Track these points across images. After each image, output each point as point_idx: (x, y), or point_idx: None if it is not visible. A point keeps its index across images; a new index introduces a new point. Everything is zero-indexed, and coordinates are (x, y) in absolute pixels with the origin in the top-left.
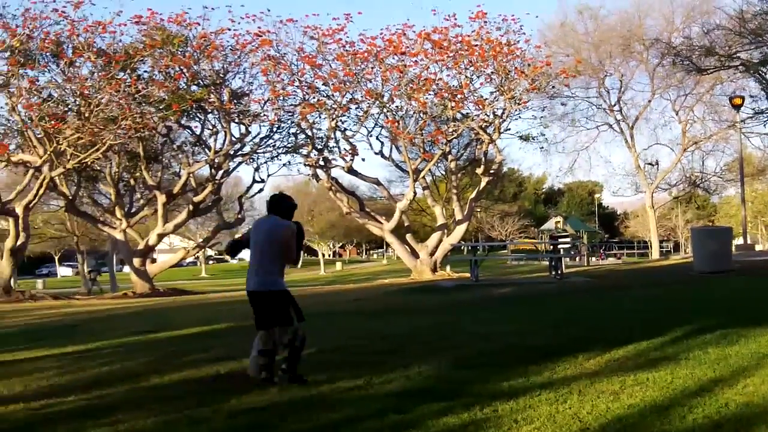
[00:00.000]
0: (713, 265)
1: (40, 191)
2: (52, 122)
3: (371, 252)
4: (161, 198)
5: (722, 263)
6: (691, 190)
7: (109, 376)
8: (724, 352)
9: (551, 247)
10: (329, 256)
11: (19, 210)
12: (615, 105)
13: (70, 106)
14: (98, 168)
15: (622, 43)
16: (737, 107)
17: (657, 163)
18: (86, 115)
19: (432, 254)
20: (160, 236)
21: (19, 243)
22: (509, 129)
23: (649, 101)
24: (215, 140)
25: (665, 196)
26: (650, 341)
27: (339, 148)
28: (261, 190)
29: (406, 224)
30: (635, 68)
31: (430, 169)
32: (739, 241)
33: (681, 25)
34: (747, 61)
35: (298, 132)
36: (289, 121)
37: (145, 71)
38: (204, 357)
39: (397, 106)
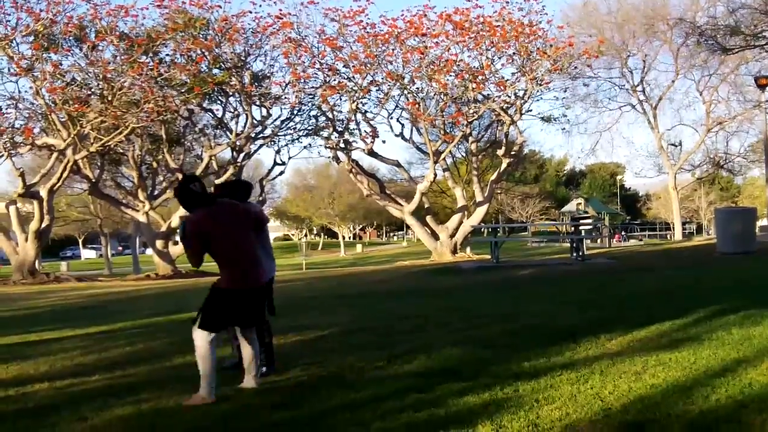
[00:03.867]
0: (737, 246)
1: (64, 174)
2: (76, 106)
3: (391, 234)
4: None
5: (746, 244)
6: (715, 171)
7: (132, 356)
8: (747, 333)
9: (572, 228)
10: (349, 238)
11: (43, 193)
12: (638, 85)
13: (93, 90)
14: (121, 151)
15: (645, 23)
16: (762, 87)
17: (680, 144)
18: (109, 98)
19: (452, 236)
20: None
21: (43, 225)
22: (531, 110)
23: (673, 81)
24: (236, 123)
25: (688, 177)
26: (673, 322)
27: (359, 130)
28: (282, 172)
29: (426, 206)
30: (659, 48)
31: (450, 151)
32: (763, 222)
33: (706, 4)
34: None
35: (318, 114)
36: (310, 104)
37: (167, 55)
38: (226, 338)
39: (417, 88)
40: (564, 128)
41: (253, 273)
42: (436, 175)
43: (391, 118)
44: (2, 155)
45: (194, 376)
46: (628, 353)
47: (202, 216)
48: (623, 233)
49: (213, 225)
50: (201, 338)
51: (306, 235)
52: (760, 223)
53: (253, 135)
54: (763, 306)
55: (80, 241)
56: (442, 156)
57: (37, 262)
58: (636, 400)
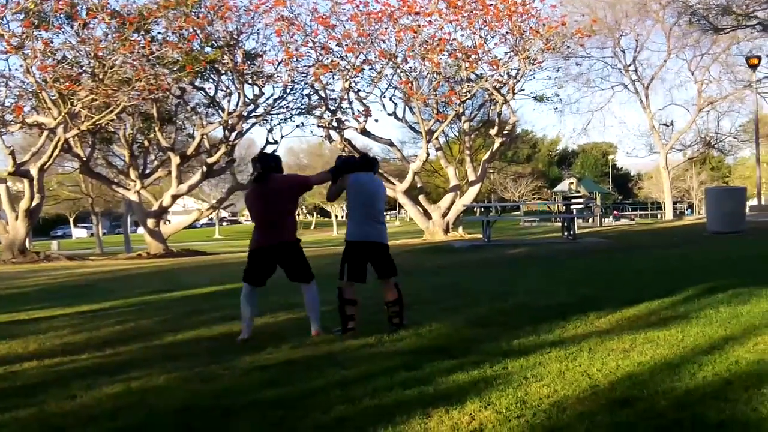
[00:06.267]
0: (727, 226)
1: (55, 153)
2: (67, 84)
3: (384, 213)
4: (175, 159)
5: (736, 223)
6: (706, 150)
7: (122, 334)
8: (735, 311)
9: (564, 208)
10: (342, 217)
11: (33, 171)
12: (630, 65)
13: (84, 68)
14: (112, 130)
15: (638, 2)
16: (754, 67)
17: (672, 124)
18: (100, 76)
19: (444, 215)
20: (174, 197)
21: (33, 204)
22: (523, 89)
23: (665, 61)
24: (229, 102)
25: (679, 156)
26: (662, 300)
27: (352, 109)
28: (274, 151)
29: (419, 185)
30: (651, 28)
31: (443, 130)
32: (753, 201)
33: None
34: (764, 20)
35: (311, 93)
36: (303, 83)
37: (159, 32)
38: (217, 316)
39: (410, 67)
40: (556, 108)
41: (263, 236)
42: (428, 154)
43: (384, 97)
44: None
45: (185, 354)
46: (617, 331)
47: (249, 189)
48: (617, 212)
49: (249, 196)
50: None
51: (298, 215)
52: (749, 202)
53: (245, 113)
54: (751, 284)
55: (71, 220)
56: (435, 135)
57: (27, 241)
58: (624, 377)
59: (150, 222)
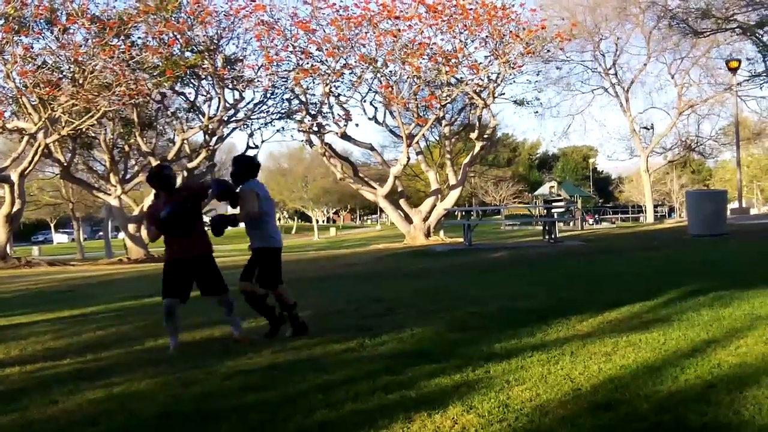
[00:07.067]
0: (708, 229)
1: (35, 158)
2: (47, 89)
3: (365, 218)
4: (155, 164)
5: (717, 227)
6: (687, 154)
7: (104, 339)
8: (717, 314)
9: (545, 211)
10: (323, 221)
11: (14, 177)
12: (610, 68)
13: (64, 73)
14: (93, 135)
15: (618, 6)
16: (733, 70)
17: (652, 127)
18: (80, 81)
19: (425, 219)
20: None
21: (14, 210)
22: (503, 93)
23: (645, 64)
24: (209, 106)
25: (660, 160)
26: (643, 303)
27: (333, 113)
28: (255, 156)
29: (399, 189)
30: (631, 31)
31: (423, 135)
32: (734, 204)
33: None
34: (744, 24)
35: (291, 98)
36: (283, 87)
37: (139, 37)
38: (198, 321)
39: (390, 71)
40: (537, 112)
41: None
42: (409, 158)
43: (365, 101)
44: None
45: (166, 359)
46: (599, 334)
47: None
48: (596, 216)
49: None
50: None
51: (279, 220)
52: (730, 205)
53: (225, 118)
54: (732, 287)
55: (52, 225)
56: (416, 139)
57: (8, 246)
58: (606, 380)
59: (131, 227)
